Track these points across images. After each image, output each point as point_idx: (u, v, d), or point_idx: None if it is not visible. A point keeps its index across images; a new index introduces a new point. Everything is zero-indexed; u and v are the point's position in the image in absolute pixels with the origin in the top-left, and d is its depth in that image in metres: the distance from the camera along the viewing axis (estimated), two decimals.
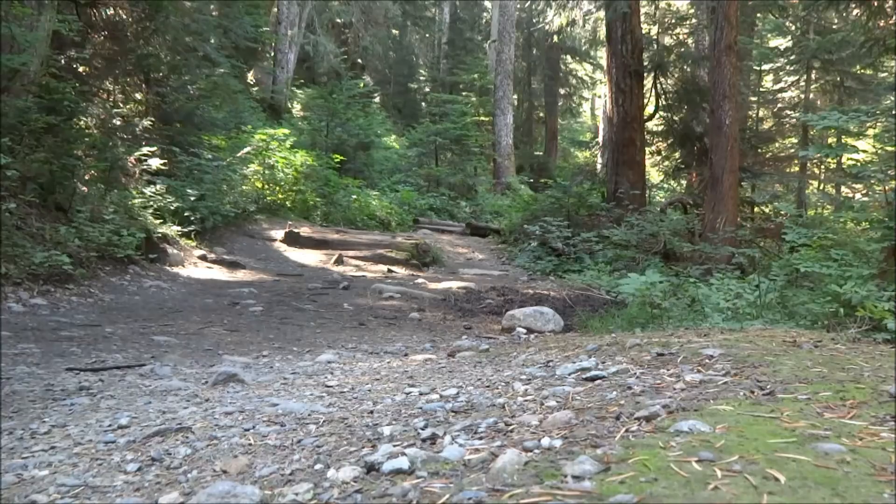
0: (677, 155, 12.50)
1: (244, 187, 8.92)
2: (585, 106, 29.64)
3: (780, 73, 13.67)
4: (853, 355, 1.67)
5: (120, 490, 1.12)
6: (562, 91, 24.46)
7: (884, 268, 3.57)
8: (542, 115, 24.62)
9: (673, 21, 13.20)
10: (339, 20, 18.51)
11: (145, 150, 6.25)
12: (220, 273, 5.92)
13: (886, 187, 4.24)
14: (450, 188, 14.92)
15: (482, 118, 18.35)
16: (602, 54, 16.43)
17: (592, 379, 1.63)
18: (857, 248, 3.93)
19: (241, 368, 2.23)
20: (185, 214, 6.50)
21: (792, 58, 12.07)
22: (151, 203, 6.00)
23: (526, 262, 8.95)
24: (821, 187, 15.15)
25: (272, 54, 15.01)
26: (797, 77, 13.13)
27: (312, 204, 10.19)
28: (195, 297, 4.54)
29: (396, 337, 3.45)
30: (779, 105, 14.02)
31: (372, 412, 1.54)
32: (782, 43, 12.88)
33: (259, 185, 9.53)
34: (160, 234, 5.71)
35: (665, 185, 15.18)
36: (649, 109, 11.65)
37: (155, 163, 6.25)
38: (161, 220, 5.94)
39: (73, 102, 5.05)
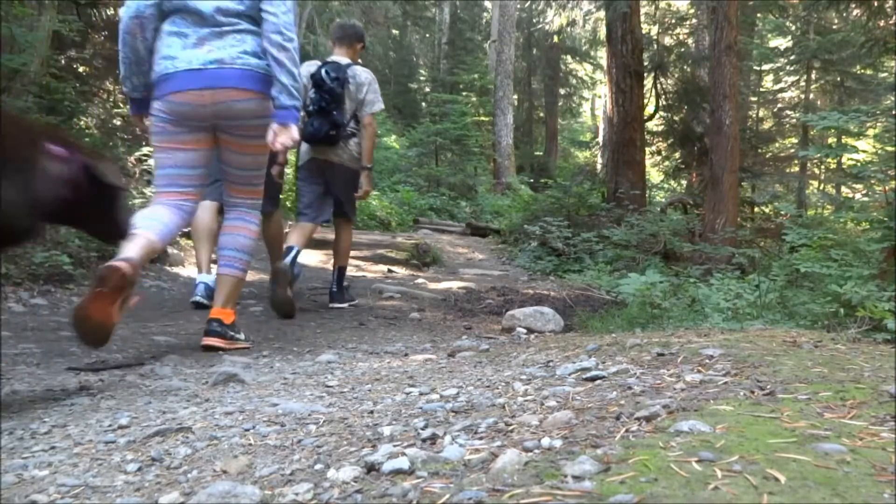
0: (677, 155, 12.50)
1: None
2: (585, 106, 29.66)
3: (780, 73, 13.68)
4: (853, 355, 1.67)
5: (120, 490, 1.12)
6: (562, 91, 24.47)
7: (884, 268, 3.57)
8: (542, 115, 24.63)
9: (673, 21, 13.21)
10: (339, 20, 18.53)
11: (145, 150, 6.25)
12: None
13: (886, 187, 4.24)
14: (450, 188, 14.91)
15: (482, 118, 18.33)
16: (602, 54, 16.43)
17: (592, 379, 1.63)
18: (857, 249, 3.93)
19: (242, 368, 2.23)
20: None
21: (792, 58, 12.08)
22: None
23: (526, 262, 8.95)
24: (821, 187, 15.16)
25: None
26: (797, 77, 13.15)
27: None
28: None
29: (396, 337, 3.45)
30: (779, 105, 14.03)
31: (372, 412, 1.54)
32: (782, 43, 12.90)
33: None
34: None
35: (665, 185, 15.19)
36: (649, 109, 11.65)
37: None
38: None
39: (74, 102, 5.05)
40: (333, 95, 3.86)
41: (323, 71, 3.89)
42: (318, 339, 3.29)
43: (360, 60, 4.22)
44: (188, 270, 5.66)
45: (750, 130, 12.27)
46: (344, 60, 4.04)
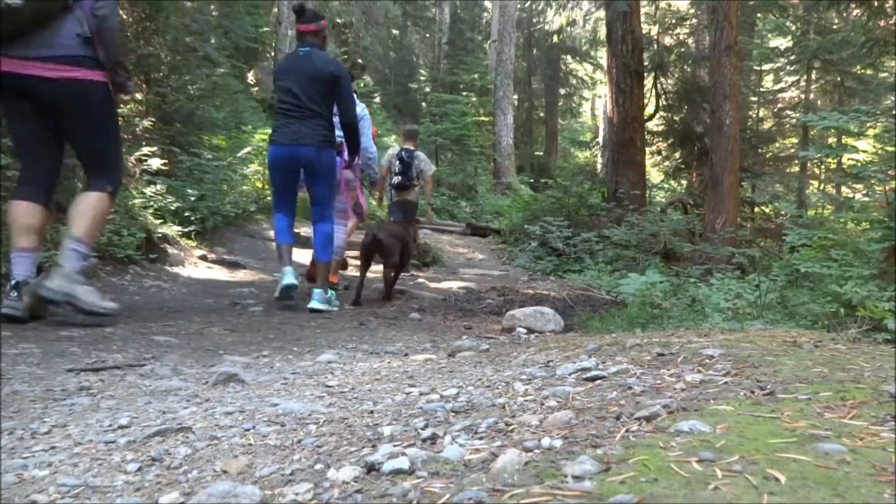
0: (677, 155, 12.51)
1: (244, 187, 8.92)
2: (585, 106, 29.69)
3: (781, 73, 13.69)
4: (853, 355, 1.67)
5: (120, 490, 1.12)
6: (562, 91, 24.49)
7: (884, 268, 3.57)
8: (542, 115, 24.65)
9: (673, 21, 13.20)
10: (339, 20, 18.51)
11: (145, 150, 6.25)
12: (220, 273, 5.92)
13: (886, 187, 4.24)
14: (450, 188, 14.92)
15: (482, 118, 18.34)
16: (602, 54, 16.44)
17: (593, 379, 1.63)
18: (858, 249, 3.93)
19: (242, 368, 2.23)
20: (186, 214, 6.50)
21: (792, 58, 12.08)
22: (152, 203, 5.99)
23: (526, 263, 8.96)
24: (821, 187, 15.16)
25: (272, 54, 15.00)
26: (797, 77, 13.15)
27: None
28: (195, 298, 4.54)
29: (397, 337, 3.45)
30: (779, 105, 14.03)
31: (372, 412, 1.54)
32: (782, 43, 12.90)
33: (259, 185, 9.54)
34: (160, 235, 5.71)
35: (665, 185, 15.19)
36: (649, 109, 11.64)
37: (155, 163, 6.25)
38: (161, 221, 5.94)
39: None
40: (408, 166, 7.12)
41: (402, 153, 7.17)
42: (318, 339, 3.29)
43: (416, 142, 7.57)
44: (188, 270, 5.67)
45: (750, 130, 12.27)
46: (411, 147, 7.27)
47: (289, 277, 4.16)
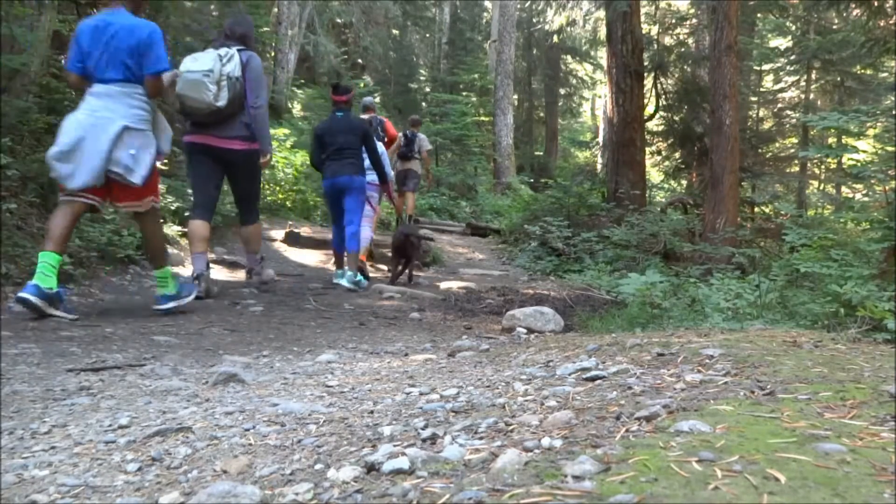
0: (677, 155, 12.49)
1: None
2: (585, 106, 29.65)
3: (781, 73, 13.68)
4: (853, 355, 1.67)
5: (120, 490, 1.13)
6: (562, 91, 24.45)
7: (884, 268, 3.57)
8: (542, 115, 24.62)
9: (673, 21, 13.17)
10: (339, 20, 18.50)
11: None
12: (220, 273, 5.92)
13: (886, 187, 4.25)
14: (450, 188, 14.91)
15: (482, 118, 18.32)
16: (602, 54, 16.44)
17: (593, 379, 1.63)
18: (858, 249, 3.94)
19: (242, 368, 2.23)
20: (186, 214, 6.48)
21: (792, 58, 12.08)
22: None
23: (526, 262, 8.95)
24: (821, 187, 15.16)
25: (272, 54, 14.98)
26: (797, 77, 13.14)
27: (313, 204, 10.18)
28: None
29: (397, 337, 3.45)
30: (779, 105, 14.01)
31: (372, 412, 1.54)
32: (782, 43, 12.90)
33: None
34: None
35: (665, 185, 15.17)
36: (649, 109, 11.62)
37: None
38: (161, 220, 5.93)
39: (74, 102, 5.04)
40: (411, 142, 9.32)
41: (407, 133, 9.38)
42: (318, 339, 3.29)
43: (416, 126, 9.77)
44: (188, 270, 5.66)
45: (750, 130, 12.26)
46: (414, 131, 9.50)
47: (339, 279, 5.67)
